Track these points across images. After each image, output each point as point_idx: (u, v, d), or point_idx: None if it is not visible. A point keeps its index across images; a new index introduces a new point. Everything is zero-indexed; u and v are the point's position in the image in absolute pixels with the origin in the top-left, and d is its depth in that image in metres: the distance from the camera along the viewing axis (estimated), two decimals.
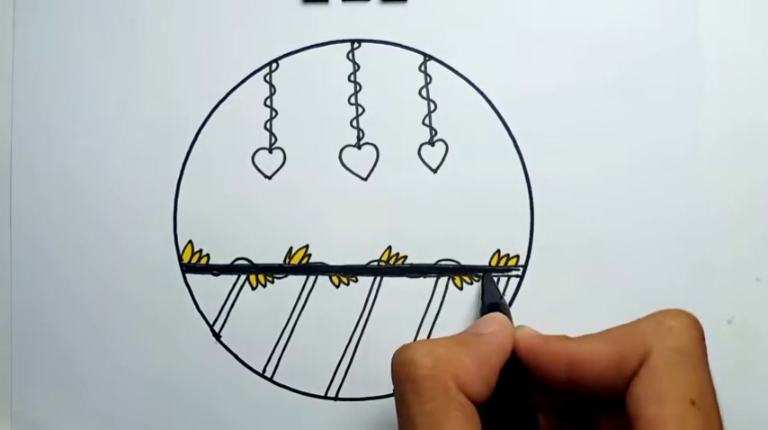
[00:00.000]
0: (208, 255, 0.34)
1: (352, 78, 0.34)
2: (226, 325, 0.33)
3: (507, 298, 0.33)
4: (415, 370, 0.23)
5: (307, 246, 0.33)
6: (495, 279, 0.33)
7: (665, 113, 0.33)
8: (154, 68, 0.34)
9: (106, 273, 0.33)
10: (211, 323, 0.33)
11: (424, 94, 0.34)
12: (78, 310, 0.33)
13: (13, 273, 0.34)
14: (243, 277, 0.33)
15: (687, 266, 0.33)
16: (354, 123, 0.34)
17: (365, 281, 0.33)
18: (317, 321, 0.33)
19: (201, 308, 0.33)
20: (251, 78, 0.34)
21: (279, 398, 0.33)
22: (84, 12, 0.34)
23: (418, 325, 0.33)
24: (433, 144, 0.34)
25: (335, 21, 0.34)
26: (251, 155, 0.34)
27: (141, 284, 0.33)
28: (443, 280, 0.33)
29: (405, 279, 0.33)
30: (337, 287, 0.33)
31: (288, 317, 0.33)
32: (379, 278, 0.33)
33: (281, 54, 0.34)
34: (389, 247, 0.33)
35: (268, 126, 0.34)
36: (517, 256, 0.33)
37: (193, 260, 0.33)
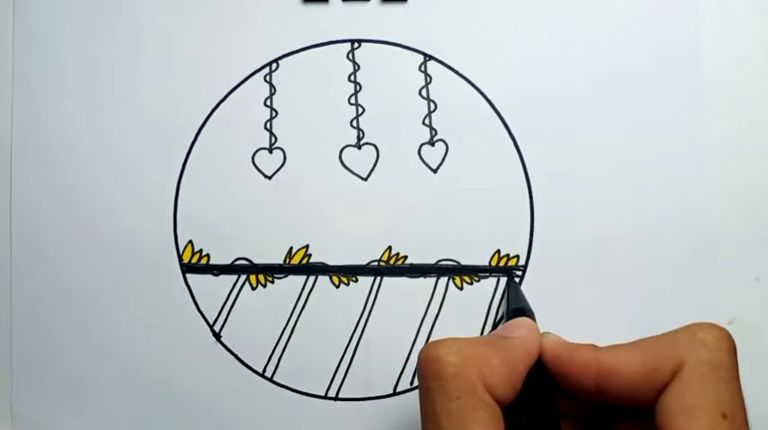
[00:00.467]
0: (208, 255, 0.34)
1: (352, 78, 0.34)
2: (226, 325, 0.33)
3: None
4: (442, 367, 0.23)
5: (307, 246, 0.33)
6: (495, 279, 0.33)
7: (665, 114, 0.33)
8: (154, 68, 0.34)
9: (106, 273, 0.33)
10: (211, 323, 0.33)
11: (424, 94, 0.34)
12: (78, 310, 0.33)
13: (13, 273, 0.34)
14: (243, 277, 0.33)
15: (687, 267, 0.33)
16: (354, 123, 0.34)
17: (365, 281, 0.33)
18: (317, 321, 0.33)
19: (201, 308, 0.33)
20: (251, 78, 0.34)
21: (279, 398, 0.33)
22: (84, 12, 0.34)
23: (418, 325, 0.33)
24: (433, 144, 0.34)
25: (335, 21, 0.34)
26: (251, 155, 0.34)
27: (141, 284, 0.33)
28: (443, 280, 0.33)
29: (405, 279, 0.33)
30: (337, 287, 0.33)
31: (288, 317, 0.33)
32: (379, 278, 0.33)
33: (281, 54, 0.34)
34: (389, 247, 0.33)
35: (268, 126, 0.34)
36: (517, 256, 0.33)
37: (193, 260, 0.33)
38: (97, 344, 0.33)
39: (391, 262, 0.33)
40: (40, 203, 0.34)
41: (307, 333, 0.33)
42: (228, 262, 0.33)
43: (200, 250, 0.34)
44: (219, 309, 0.33)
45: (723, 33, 0.34)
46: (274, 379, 0.33)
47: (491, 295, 0.33)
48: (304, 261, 0.33)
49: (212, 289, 0.33)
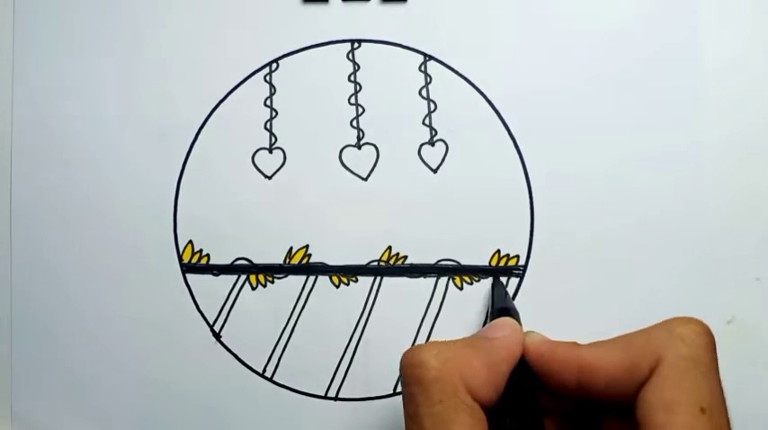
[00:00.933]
0: (208, 255, 0.34)
1: (352, 78, 0.34)
2: (226, 325, 0.33)
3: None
4: (423, 371, 0.23)
5: (307, 246, 0.33)
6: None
7: (665, 113, 0.33)
8: (154, 68, 0.34)
9: (106, 273, 0.33)
10: (211, 323, 0.33)
11: (424, 94, 0.34)
12: (78, 310, 0.33)
13: (13, 272, 0.34)
14: (243, 277, 0.33)
15: (687, 266, 0.33)
16: (354, 123, 0.34)
17: (365, 281, 0.33)
18: (317, 321, 0.33)
19: (201, 308, 0.33)
20: (251, 78, 0.34)
21: (279, 398, 0.33)
22: (84, 12, 0.34)
23: (418, 325, 0.33)
24: (433, 144, 0.34)
25: (335, 21, 0.34)
26: (251, 155, 0.34)
27: (141, 284, 0.33)
28: (443, 280, 0.33)
29: (405, 279, 0.33)
30: (337, 287, 0.33)
31: (288, 317, 0.33)
32: (379, 278, 0.33)
33: (281, 54, 0.34)
34: (389, 247, 0.33)
35: (268, 126, 0.34)
36: (517, 256, 0.33)
37: (193, 260, 0.33)
38: (97, 344, 0.33)
39: (391, 262, 0.33)
40: (40, 203, 0.34)
41: (307, 333, 0.33)
42: (228, 262, 0.33)
43: (200, 250, 0.34)
44: (219, 309, 0.33)
45: (723, 33, 0.34)
46: (274, 379, 0.33)
47: (491, 295, 0.33)
48: (304, 261, 0.33)
49: (212, 289, 0.33)
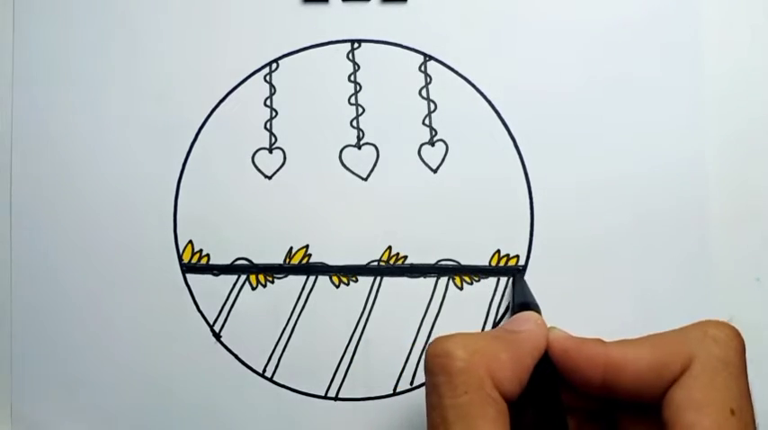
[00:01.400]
0: (208, 255, 0.34)
1: (352, 78, 0.34)
2: (226, 325, 0.33)
3: (507, 298, 0.33)
4: (450, 361, 0.23)
5: (307, 246, 0.33)
6: (495, 279, 0.33)
7: (665, 113, 0.33)
8: (154, 68, 0.34)
9: (106, 273, 0.33)
10: (211, 323, 0.33)
11: (424, 94, 0.34)
12: (78, 310, 0.33)
13: (13, 272, 0.34)
14: (243, 277, 0.33)
15: (687, 266, 0.33)
16: (354, 123, 0.34)
17: (365, 281, 0.33)
18: (317, 321, 0.33)
19: (201, 308, 0.33)
20: (251, 78, 0.34)
21: (279, 398, 0.33)
22: (84, 12, 0.34)
23: (418, 325, 0.33)
24: (433, 144, 0.34)
25: (335, 21, 0.34)
26: (251, 155, 0.34)
27: (141, 284, 0.33)
28: (443, 280, 0.33)
29: (405, 279, 0.33)
30: (337, 287, 0.33)
31: (288, 317, 0.33)
32: (379, 278, 0.33)
33: (281, 54, 0.34)
34: (389, 247, 0.33)
35: (268, 126, 0.34)
36: (517, 256, 0.33)
37: (193, 260, 0.33)
38: (97, 344, 0.33)
39: (391, 262, 0.33)
40: (40, 203, 0.34)
41: (307, 333, 0.33)
42: (228, 262, 0.33)
43: (200, 250, 0.34)
44: (219, 308, 0.33)
45: (724, 34, 0.34)
46: (274, 379, 0.33)
47: (491, 295, 0.33)
48: (304, 261, 0.33)
49: (212, 289, 0.33)
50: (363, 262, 0.33)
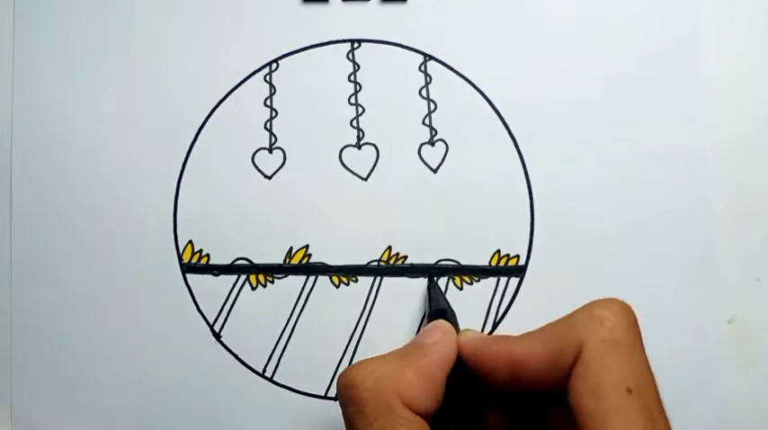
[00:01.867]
0: (208, 255, 0.34)
1: (352, 78, 0.34)
2: (226, 325, 0.33)
3: (507, 298, 0.33)
4: (357, 392, 0.23)
5: (307, 246, 0.33)
6: (496, 279, 0.33)
7: (665, 113, 0.33)
8: (154, 69, 0.34)
9: (106, 273, 0.33)
10: (211, 323, 0.33)
11: (424, 93, 0.34)
12: (78, 310, 0.33)
13: (13, 273, 0.34)
14: (243, 277, 0.33)
15: (687, 266, 0.33)
16: (354, 123, 0.34)
17: (365, 281, 0.33)
18: (317, 321, 0.33)
19: (201, 308, 0.33)
20: (251, 78, 0.34)
21: (279, 398, 0.33)
22: (84, 12, 0.34)
23: (418, 325, 0.33)
24: (433, 144, 0.34)
25: (335, 21, 0.34)
26: (251, 155, 0.34)
27: (141, 284, 0.33)
28: (443, 280, 0.33)
29: (405, 279, 0.33)
30: (337, 287, 0.33)
31: (288, 317, 0.33)
32: (379, 278, 0.33)
33: (281, 54, 0.34)
34: (389, 247, 0.33)
35: (268, 126, 0.34)
36: (517, 256, 0.33)
37: (193, 260, 0.33)
38: (97, 344, 0.33)
39: (391, 262, 0.33)
40: (40, 203, 0.34)
41: (307, 333, 0.33)
42: (228, 262, 0.33)
43: (200, 250, 0.34)
44: (219, 308, 0.33)
45: (724, 35, 0.34)
46: (274, 379, 0.33)
47: (491, 295, 0.33)
48: (304, 261, 0.33)
49: (212, 289, 0.33)
50: (363, 262, 0.33)
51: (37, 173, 0.34)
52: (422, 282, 0.33)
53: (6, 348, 0.34)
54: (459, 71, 0.34)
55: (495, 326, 0.33)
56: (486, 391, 0.25)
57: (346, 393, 0.23)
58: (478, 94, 0.34)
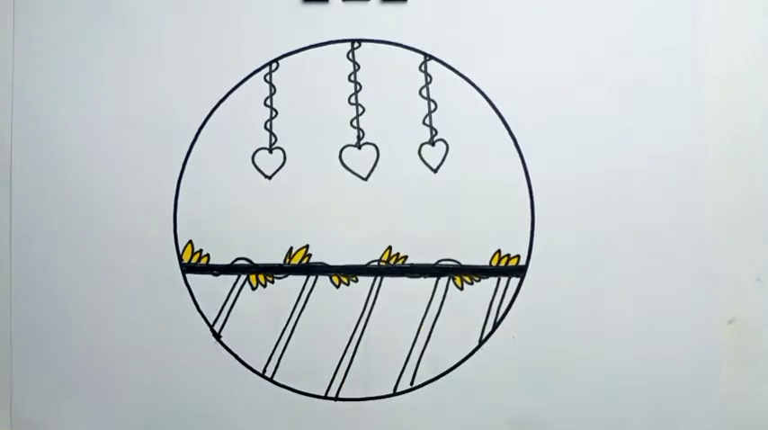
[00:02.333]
0: (208, 255, 0.33)
1: (352, 78, 0.34)
2: (226, 325, 0.33)
3: (508, 298, 0.33)
4: None
5: (307, 246, 0.33)
6: (496, 279, 0.33)
7: (665, 115, 0.33)
8: (154, 69, 0.34)
9: (106, 273, 0.33)
10: (211, 323, 0.33)
11: (425, 93, 0.34)
12: (78, 311, 0.33)
13: (12, 273, 0.34)
14: (243, 277, 0.33)
15: (687, 267, 0.33)
16: (354, 123, 0.34)
17: (365, 281, 0.33)
18: (317, 321, 0.33)
19: (201, 308, 0.33)
20: (251, 78, 0.34)
21: (279, 398, 0.33)
22: (84, 12, 0.34)
23: (418, 325, 0.33)
24: (433, 144, 0.34)
25: (335, 21, 0.34)
26: (251, 155, 0.34)
27: (141, 284, 0.33)
28: (443, 280, 0.33)
29: (405, 279, 0.33)
30: (337, 287, 0.33)
31: (288, 317, 0.33)
32: (379, 278, 0.33)
33: (281, 54, 0.34)
34: (389, 247, 0.33)
35: (268, 126, 0.34)
36: (517, 256, 0.33)
37: (193, 260, 0.33)
38: (97, 344, 0.33)
39: (391, 262, 0.33)
40: (40, 203, 0.34)
41: (307, 333, 0.33)
42: (228, 262, 0.33)
43: (200, 250, 0.34)
44: (219, 309, 0.33)
45: (723, 37, 0.34)
46: (274, 379, 0.33)
47: (491, 295, 0.33)
48: (304, 261, 0.33)
49: (212, 289, 0.33)
50: (363, 262, 0.33)
51: (37, 173, 0.34)
52: (422, 282, 0.33)
53: (6, 348, 0.34)
54: (460, 71, 0.34)
55: (495, 326, 0.33)
56: None
57: None
58: (479, 94, 0.34)
